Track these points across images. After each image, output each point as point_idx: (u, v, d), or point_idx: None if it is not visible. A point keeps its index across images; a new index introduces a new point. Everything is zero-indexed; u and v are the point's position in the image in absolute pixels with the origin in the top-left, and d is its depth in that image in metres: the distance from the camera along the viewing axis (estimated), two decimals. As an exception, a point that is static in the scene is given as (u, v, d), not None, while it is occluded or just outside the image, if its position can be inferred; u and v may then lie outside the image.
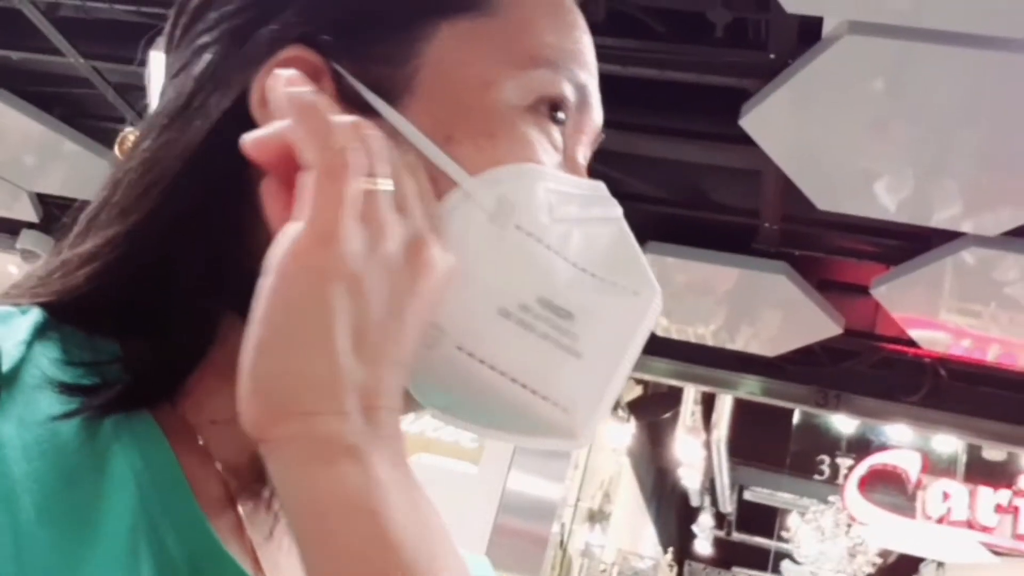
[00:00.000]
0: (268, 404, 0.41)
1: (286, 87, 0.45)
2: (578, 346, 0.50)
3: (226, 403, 0.43)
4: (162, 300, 0.48)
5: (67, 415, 0.44)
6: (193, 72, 0.51)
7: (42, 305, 0.48)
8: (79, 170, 4.23)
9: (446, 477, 5.20)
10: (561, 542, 5.67)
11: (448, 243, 0.47)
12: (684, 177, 3.44)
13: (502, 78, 0.51)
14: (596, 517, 6.57)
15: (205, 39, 0.52)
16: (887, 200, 2.90)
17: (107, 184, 0.52)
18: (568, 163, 0.55)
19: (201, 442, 0.49)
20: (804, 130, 2.67)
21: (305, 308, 0.41)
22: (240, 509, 0.50)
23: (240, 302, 0.44)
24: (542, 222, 0.50)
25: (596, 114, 0.57)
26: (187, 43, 0.53)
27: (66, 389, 0.45)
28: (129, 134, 0.55)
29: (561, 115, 0.53)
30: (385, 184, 0.44)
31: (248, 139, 0.45)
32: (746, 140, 2.71)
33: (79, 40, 3.36)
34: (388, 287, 0.43)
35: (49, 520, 0.41)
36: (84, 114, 4.07)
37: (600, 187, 0.54)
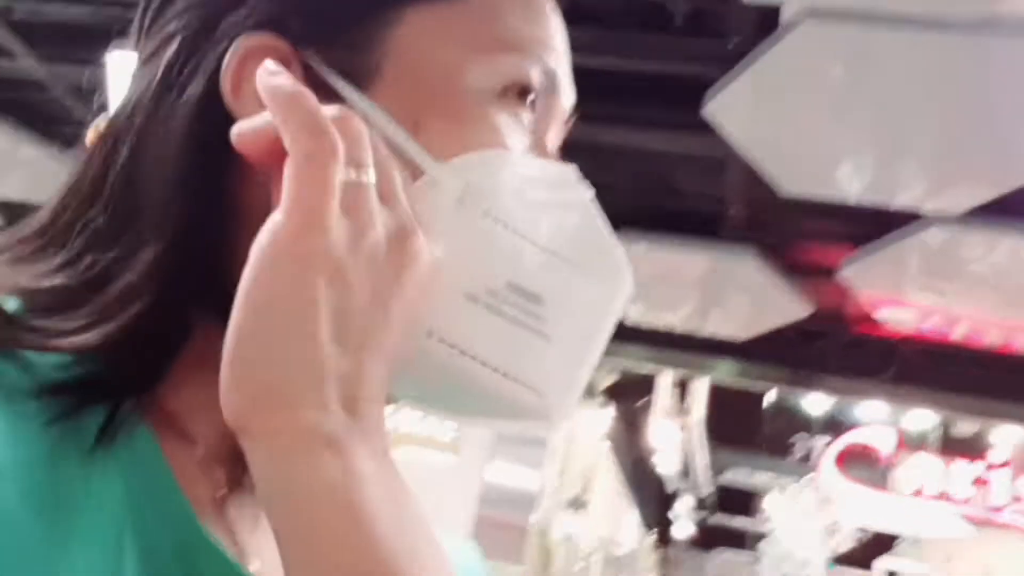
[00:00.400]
0: (248, 395, 0.41)
1: (268, 77, 0.45)
2: (548, 329, 0.50)
3: (209, 392, 0.43)
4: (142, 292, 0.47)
5: (51, 405, 0.44)
6: (162, 59, 0.51)
7: (19, 297, 0.47)
8: (38, 175, 4.18)
9: (425, 469, 5.20)
10: (542, 531, 5.68)
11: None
12: (649, 166, 3.46)
13: (469, 63, 0.51)
14: (576, 504, 6.59)
15: (174, 25, 0.51)
16: (851, 183, 2.92)
17: (84, 178, 0.51)
18: (537, 147, 0.54)
19: (185, 431, 0.49)
20: (766, 116, 2.68)
21: (287, 298, 0.41)
22: (226, 498, 0.50)
23: (218, 298, 0.44)
24: (510, 207, 0.50)
25: (566, 99, 0.57)
26: (157, 30, 0.52)
27: (48, 379, 0.45)
28: (102, 122, 0.54)
29: (529, 98, 0.53)
30: (369, 175, 0.44)
31: (235, 132, 0.45)
32: (709, 128, 2.72)
33: (33, 43, 3.31)
34: (372, 278, 0.43)
35: (31, 506, 0.41)
36: (40, 118, 4.02)
37: (569, 171, 0.54)
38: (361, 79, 0.49)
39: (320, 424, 0.40)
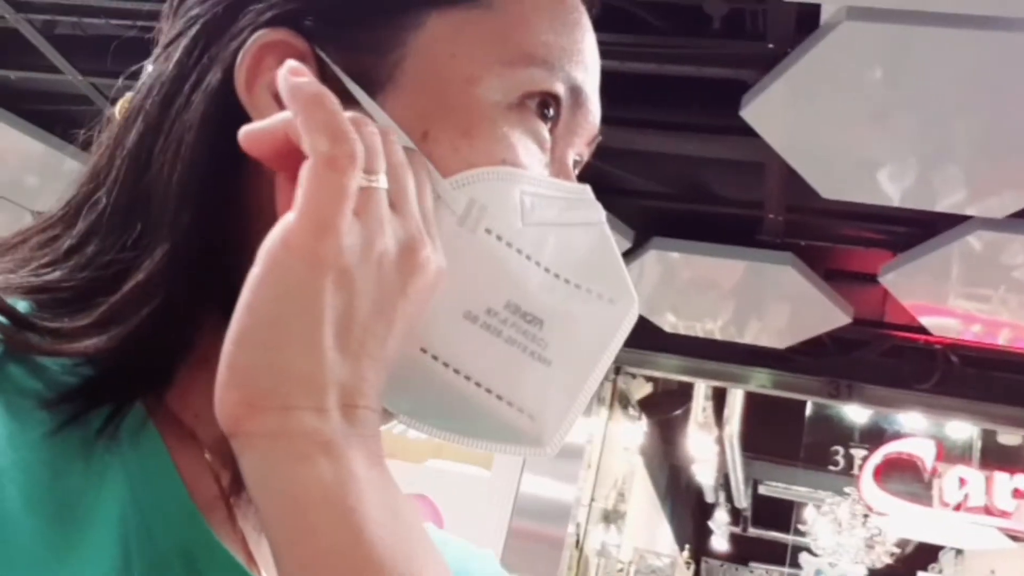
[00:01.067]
0: (245, 396, 0.40)
1: (290, 77, 0.44)
2: (547, 353, 0.50)
3: (211, 393, 0.42)
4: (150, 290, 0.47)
5: (56, 408, 0.43)
6: (181, 43, 0.50)
7: (28, 299, 0.47)
8: (81, 187, 4.22)
9: (458, 481, 5.19)
10: (577, 543, 5.65)
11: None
12: (686, 171, 3.42)
13: (489, 74, 0.50)
14: (611, 517, 6.54)
15: (196, 11, 0.51)
16: (891, 187, 2.88)
17: (99, 161, 0.51)
18: (555, 164, 0.54)
19: (192, 433, 0.49)
20: (805, 119, 2.65)
21: (293, 299, 0.40)
22: (231, 500, 0.50)
23: (225, 294, 0.43)
24: (514, 226, 0.49)
25: (593, 116, 0.56)
26: (183, 11, 0.52)
27: (57, 384, 0.44)
28: (126, 101, 0.54)
29: (550, 112, 0.52)
30: (381, 181, 0.43)
31: (244, 132, 0.44)
32: (747, 131, 2.69)
33: (76, 57, 3.36)
34: (378, 286, 0.42)
35: (35, 509, 0.40)
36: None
37: (585, 191, 0.53)
38: (376, 83, 0.49)
39: (317, 428, 0.40)
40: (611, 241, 0.53)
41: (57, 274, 0.47)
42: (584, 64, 0.54)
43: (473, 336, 0.48)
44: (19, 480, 0.41)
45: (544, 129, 0.52)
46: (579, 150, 0.56)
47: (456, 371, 0.48)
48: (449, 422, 0.51)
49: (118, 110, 0.52)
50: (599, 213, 0.53)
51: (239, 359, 0.40)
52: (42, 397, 0.43)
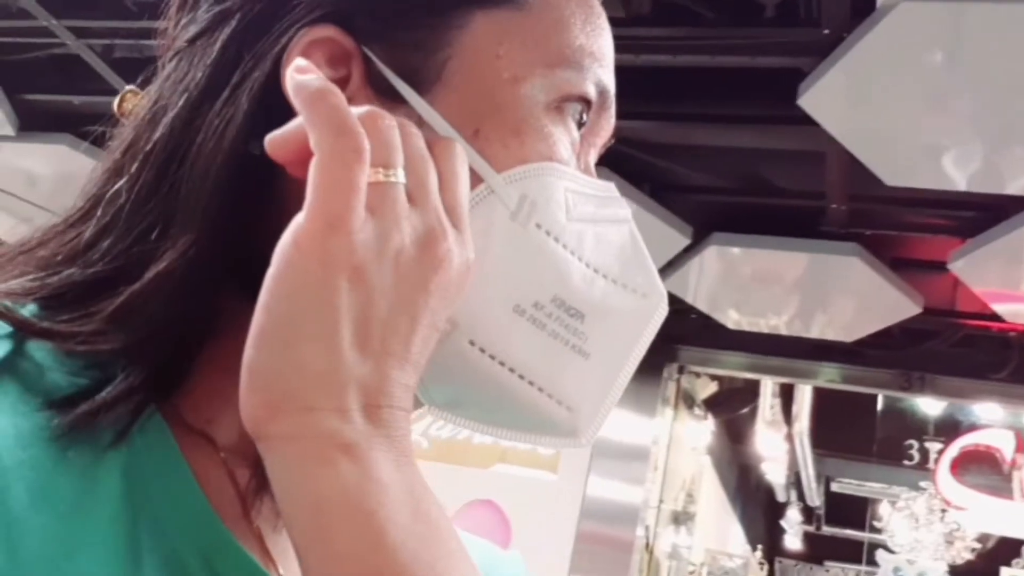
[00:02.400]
0: (266, 398, 0.40)
1: (295, 74, 0.44)
2: (587, 346, 0.51)
3: (233, 393, 0.42)
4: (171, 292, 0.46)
5: (67, 408, 0.43)
6: (218, 39, 0.50)
7: (37, 300, 0.47)
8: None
9: (525, 486, 5.19)
10: (647, 545, 5.61)
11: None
12: (744, 164, 3.38)
13: (532, 75, 0.51)
14: (680, 518, 6.49)
15: (226, 5, 0.50)
16: (957, 171, 2.80)
17: (123, 156, 0.50)
18: (580, 164, 0.55)
19: (205, 433, 0.48)
20: (865, 105, 2.59)
21: (308, 299, 0.40)
22: (249, 501, 0.49)
23: (249, 296, 0.43)
24: (560, 222, 0.50)
25: (613, 119, 0.57)
26: (207, 3, 0.51)
27: (64, 382, 0.44)
28: (129, 92, 0.53)
29: (584, 116, 0.53)
30: (397, 175, 0.43)
31: (269, 139, 0.44)
32: (806, 120, 2.64)
33: (134, 79, 3.43)
34: (397, 281, 0.42)
35: (43, 507, 0.40)
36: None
37: (612, 188, 0.54)
38: (424, 81, 0.49)
39: (338, 430, 0.40)
40: (639, 237, 0.54)
41: (74, 269, 0.47)
42: (610, 68, 0.56)
43: (520, 329, 0.49)
44: (28, 478, 0.41)
45: (576, 130, 0.53)
46: (597, 152, 0.58)
47: (501, 363, 0.49)
48: (488, 414, 0.51)
49: (129, 106, 0.52)
50: (627, 210, 0.55)
51: (258, 361, 0.40)
52: (52, 397, 0.43)
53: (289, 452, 0.40)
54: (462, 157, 0.47)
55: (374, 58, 0.49)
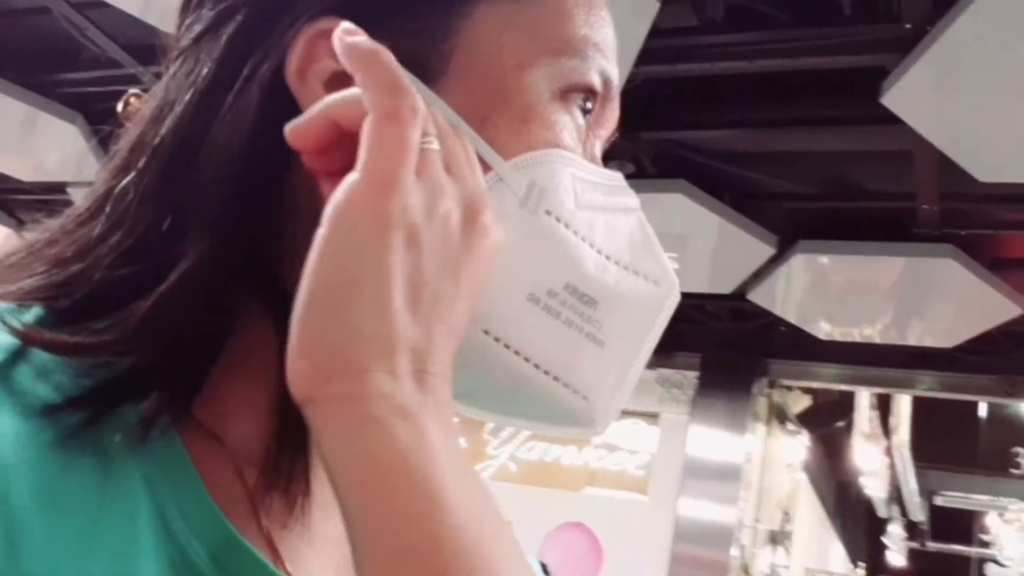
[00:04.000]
0: (319, 360, 0.40)
1: (346, 36, 0.44)
2: (601, 334, 0.51)
3: (244, 392, 0.42)
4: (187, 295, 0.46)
5: (71, 410, 0.43)
6: (224, 34, 0.50)
7: (48, 303, 0.46)
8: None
9: (616, 508, 5.15)
10: (743, 566, 5.50)
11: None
12: (828, 168, 3.31)
13: (537, 63, 0.51)
14: (778, 538, 6.35)
15: (230, 2, 0.50)
16: (1053, 164, 2.70)
17: (130, 154, 0.50)
18: (587, 154, 0.54)
19: (213, 433, 0.48)
20: (952, 101, 2.51)
21: (362, 258, 0.40)
22: (255, 499, 0.49)
23: (274, 295, 0.44)
24: (570, 208, 0.50)
25: (617, 110, 0.57)
26: (211, 2, 0.52)
27: (70, 383, 0.44)
28: (132, 96, 0.54)
29: (589, 104, 0.54)
30: (435, 143, 0.43)
31: (290, 127, 0.44)
32: (891, 120, 2.58)
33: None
34: (444, 246, 0.42)
35: (46, 506, 0.40)
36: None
37: (619, 178, 0.54)
38: (430, 71, 0.49)
39: (392, 392, 0.40)
40: (648, 226, 0.54)
41: (83, 265, 0.47)
42: (613, 59, 0.55)
43: (535, 318, 0.49)
44: (29, 477, 0.40)
45: (581, 119, 0.53)
46: (602, 143, 0.58)
47: (517, 352, 0.48)
48: (504, 404, 0.52)
49: (129, 107, 0.52)
50: (635, 199, 0.55)
51: (310, 324, 0.40)
52: (57, 399, 0.43)
53: (343, 414, 0.39)
54: (467, 142, 0.47)
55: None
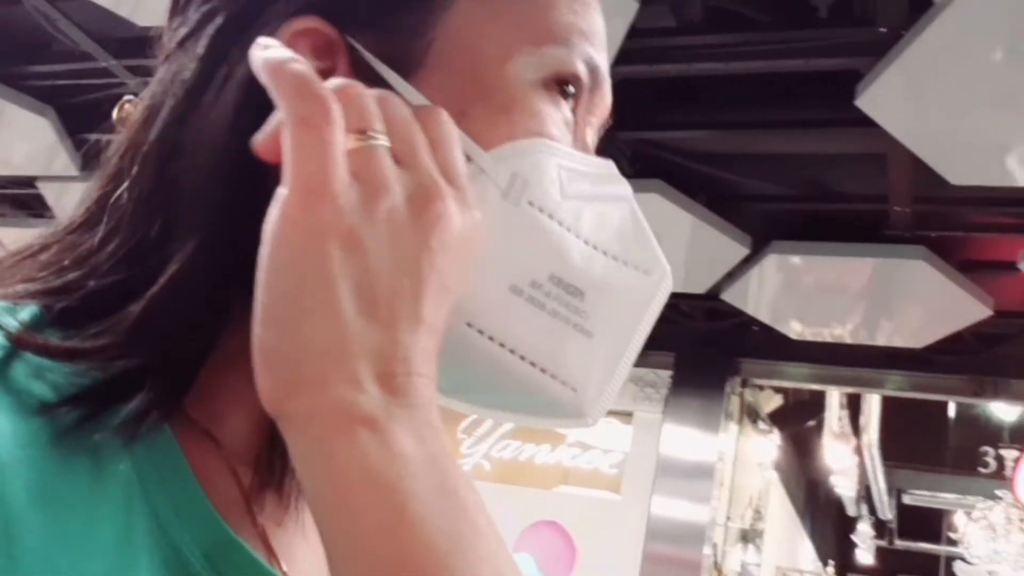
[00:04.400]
0: (278, 377, 0.39)
1: (258, 51, 0.44)
2: (588, 325, 0.50)
3: (236, 391, 0.42)
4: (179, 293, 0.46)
5: (67, 409, 0.42)
6: (205, 36, 0.50)
7: (44, 305, 0.46)
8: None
9: (589, 506, 5.15)
10: (715, 564, 5.53)
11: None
12: (802, 169, 3.33)
13: (518, 53, 0.50)
14: (749, 536, 6.39)
15: (213, 4, 0.51)
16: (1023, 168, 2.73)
17: (121, 160, 0.50)
18: (578, 143, 0.54)
19: (207, 432, 0.48)
20: (926, 104, 2.54)
21: (302, 270, 0.39)
22: (250, 498, 0.49)
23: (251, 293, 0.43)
24: (554, 199, 0.50)
25: (607, 96, 0.56)
26: (194, 7, 0.52)
27: (66, 383, 0.43)
28: (127, 103, 0.53)
29: (571, 89, 0.53)
30: (377, 139, 0.42)
31: (254, 140, 0.44)
32: (865, 122, 2.60)
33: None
34: (394, 244, 0.41)
35: (42, 505, 0.40)
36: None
37: (610, 165, 0.54)
38: (408, 65, 0.49)
39: (353, 401, 0.39)
40: (640, 214, 0.54)
41: (80, 273, 0.47)
42: (600, 45, 0.55)
43: (519, 309, 0.48)
44: (25, 476, 0.40)
45: (567, 108, 0.53)
46: (594, 131, 0.57)
47: (502, 345, 0.48)
48: (491, 397, 0.51)
49: (121, 114, 0.52)
50: (627, 188, 0.54)
51: (265, 341, 0.40)
52: (52, 398, 0.43)
53: (307, 428, 0.39)
54: (450, 122, 0.46)
55: (358, 46, 0.49)
